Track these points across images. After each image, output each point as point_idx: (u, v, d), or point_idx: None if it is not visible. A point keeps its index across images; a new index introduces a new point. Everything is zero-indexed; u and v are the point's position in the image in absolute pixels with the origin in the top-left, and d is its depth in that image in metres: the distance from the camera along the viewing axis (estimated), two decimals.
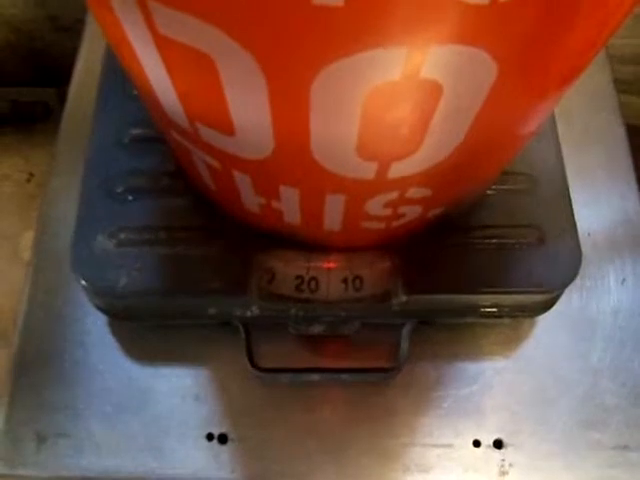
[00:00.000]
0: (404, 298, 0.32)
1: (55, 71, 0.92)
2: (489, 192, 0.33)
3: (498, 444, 0.37)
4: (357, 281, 0.33)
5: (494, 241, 0.33)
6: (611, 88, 0.47)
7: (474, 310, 0.35)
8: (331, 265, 0.32)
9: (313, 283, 0.32)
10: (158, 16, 0.16)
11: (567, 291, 0.37)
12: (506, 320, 0.38)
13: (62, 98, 0.93)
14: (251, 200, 0.27)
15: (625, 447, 0.37)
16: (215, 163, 0.25)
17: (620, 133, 0.45)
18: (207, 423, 0.37)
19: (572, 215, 0.33)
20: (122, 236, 0.33)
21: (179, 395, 0.38)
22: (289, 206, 0.26)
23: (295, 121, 0.18)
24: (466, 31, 0.14)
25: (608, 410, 0.38)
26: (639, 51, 0.78)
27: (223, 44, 0.16)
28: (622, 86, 0.50)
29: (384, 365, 0.36)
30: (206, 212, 0.33)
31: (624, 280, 0.41)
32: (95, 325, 0.39)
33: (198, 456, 0.36)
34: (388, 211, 0.26)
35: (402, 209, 0.26)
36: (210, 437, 0.37)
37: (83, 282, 0.33)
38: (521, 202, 0.33)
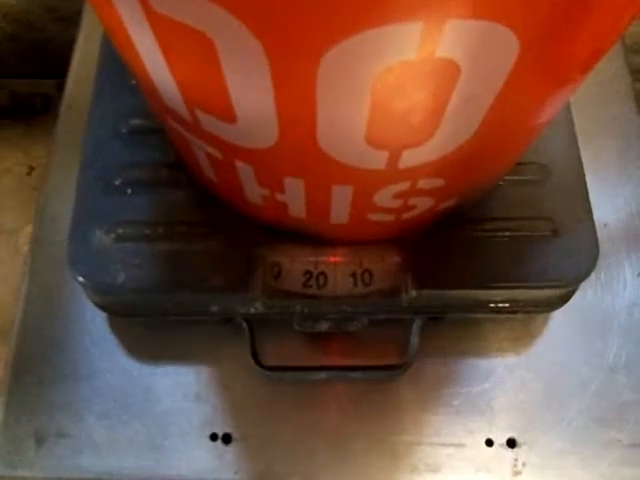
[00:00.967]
0: (414, 293, 0.31)
1: (55, 62, 0.91)
2: (502, 183, 0.32)
3: (511, 443, 0.36)
4: (366, 275, 0.32)
5: (507, 234, 0.32)
6: (627, 77, 0.45)
7: (486, 305, 0.33)
8: (339, 259, 0.31)
9: (322, 278, 0.31)
10: None
11: (581, 285, 0.36)
12: (519, 316, 0.37)
13: (62, 90, 0.91)
14: (254, 192, 0.26)
15: None
16: (216, 153, 0.24)
17: (636, 122, 0.44)
18: (210, 422, 0.36)
19: (589, 206, 0.32)
20: (120, 231, 0.32)
21: (181, 394, 0.37)
22: (294, 198, 0.25)
23: (300, 107, 0.17)
24: (488, 4, 0.13)
25: (624, 407, 0.37)
26: None
27: (222, 22, 0.14)
28: (637, 75, 0.49)
29: (393, 362, 0.35)
30: (208, 205, 0.32)
31: None
32: (94, 322, 0.38)
33: (201, 456, 0.36)
34: (398, 203, 0.25)
35: (413, 200, 0.25)
36: (214, 437, 0.36)
37: (80, 279, 0.31)
38: (535, 193, 0.32)
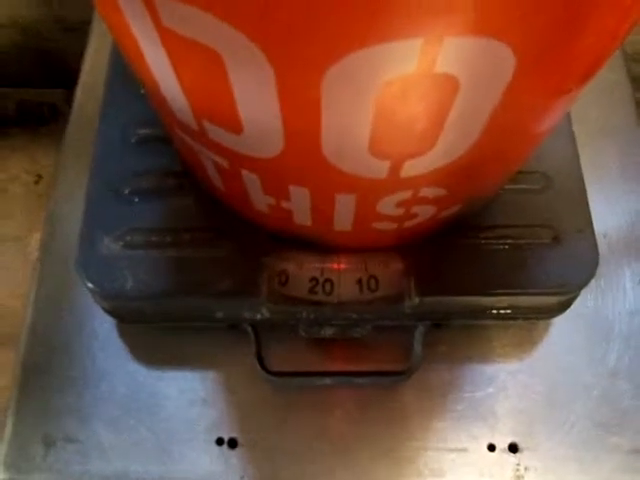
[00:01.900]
0: (417, 300, 0.32)
1: (63, 72, 0.92)
2: (503, 191, 0.33)
3: (513, 448, 0.36)
4: (372, 282, 0.32)
5: (508, 241, 0.32)
6: (627, 86, 0.46)
7: (488, 312, 0.34)
8: (345, 266, 0.31)
9: (328, 285, 0.31)
10: (162, 8, 0.15)
11: (582, 292, 0.36)
12: (521, 322, 0.38)
13: (70, 99, 0.92)
14: (260, 200, 0.27)
15: None
16: (223, 162, 0.24)
17: (637, 132, 0.44)
18: (216, 427, 0.36)
19: (589, 214, 0.33)
20: (129, 238, 0.32)
21: (187, 399, 0.37)
22: (299, 206, 0.26)
23: (305, 118, 0.18)
24: (485, 21, 0.14)
25: (625, 413, 0.37)
26: None
27: (230, 37, 0.15)
28: (638, 84, 0.49)
29: (397, 368, 0.35)
30: (214, 213, 0.33)
31: None
32: (102, 328, 0.39)
33: (207, 461, 0.36)
34: (400, 211, 0.25)
35: (415, 209, 0.26)
36: (220, 442, 0.36)
37: (89, 284, 0.32)
38: (536, 201, 0.33)
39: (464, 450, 0.36)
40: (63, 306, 0.39)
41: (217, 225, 0.32)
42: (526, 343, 0.38)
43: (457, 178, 0.23)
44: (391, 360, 0.36)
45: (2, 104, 0.89)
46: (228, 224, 0.32)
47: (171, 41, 0.17)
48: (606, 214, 0.41)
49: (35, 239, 0.77)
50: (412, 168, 0.21)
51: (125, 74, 0.36)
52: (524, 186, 0.33)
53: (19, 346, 0.39)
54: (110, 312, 0.35)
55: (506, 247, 0.32)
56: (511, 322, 0.37)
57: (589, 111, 0.44)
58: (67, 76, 0.94)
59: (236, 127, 0.20)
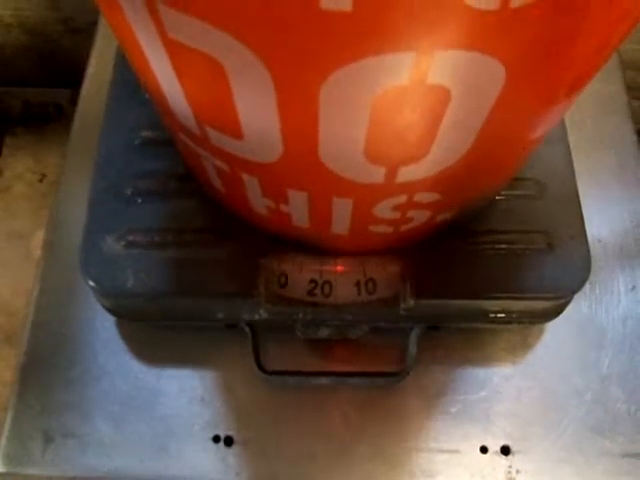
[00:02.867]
0: (412, 303, 0.32)
1: (68, 72, 0.93)
2: (498, 197, 0.33)
3: (505, 450, 0.37)
4: (370, 284, 0.33)
5: (503, 246, 0.33)
6: (623, 94, 0.46)
7: (483, 315, 0.34)
8: (344, 268, 0.32)
9: (327, 287, 0.32)
10: (167, 20, 0.16)
11: (576, 297, 0.37)
12: (515, 326, 0.38)
13: (75, 99, 0.93)
14: (259, 203, 0.27)
15: (635, 455, 0.37)
16: (224, 166, 0.25)
17: (631, 140, 0.45)
18: (213, 425, 0.37)
19: (582, 221, 0.33)
20: (131, 238, 0.33)
21: (186, 397, 0.38)
22: (297, 209, 0.26)
23: (304, 125, 0.18)
24: (474, 37, 0.14)
25: (618, 417, 0.37)
26: None
27: (231, 48, 0.16)
28: (634, 92, 0.50)
29: (392, 369, 0.36)
30: (215, 214, 0.33)
31: (634, 287, 0.40)
32: (103, 326, 0.39)
33: (204, 458, 0.37)
34: (396, 215, 0.26)
35: (410, 213, 0.26)
36: (216, 439, 0.37)
37: (91, 283, 0.33)
38: (530, 207, 0.33)
39: (457, 452, 0.37)
40: (65, 304, 0.40)
41: (217, 227, 0.33)
42: (520, 347, 0.39)
43: (451, 184, 0.24)
44: (386, 361, 0.37)
45: (8, 103, 0.90)
46: (228, 226, 0.33)
47: (175, 50, 0.17)
48: (601, 220, 0.42)
49: (38, 237, 0.78)
50: (407, 174, 0.22)
51: (129, 77, 0.37)
52: (519, 192, 0.33)
53: (21, 342, 0.39)
54: (111, 310, 0.36)
55: (501, 252, 0.32)
56: (505, 326, 0.38)
57: (585, 118, 0.45)
58: (72, 76, 0.95)
59: (237, 133, 0.21)
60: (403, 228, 0.28)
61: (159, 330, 0.39)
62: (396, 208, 0.25)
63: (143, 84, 0.25)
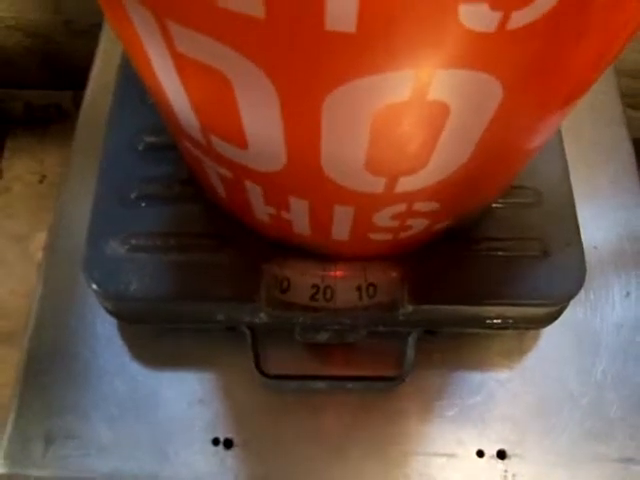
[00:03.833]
0: (410, 308, 0.33)
1: (70, 75, 0.93)
2: (495, 205, 0.34)
3: (501, 454, 0.37)
4: (371, 289, 0.33)
5: (500, 253, 0.33)
6: (618, 103, 0.47)
7: (479, 321, 0.35)
8: (345, 273, 0.32)
9: (329, 291, 0.32)
10: (177, 35, 0.17)
11: (571, 303, 0.37)
12: (511, 332, 0.39)
13: (77, 101, 0.94)
14: (261, 210, 0.28)
15: (629, 460, 0.37)
16: (227, 173, 0.26)
17: (627, 148, 0.45)
18: (213, 428, 0.38)
19: (577, 228, 0.34)
20: (134, 241, 0.33)
21: (185, 399, 0.38)
22: (298, 216, 0.27)
23: (307, 137, 0.19)
24: (473, 56, 0.15)
25: (612, 422, 0.38)
26: None
27: (239, 64, 0.16)
28: (628, 100, 0.50)
29: (389, 374, 0.36)
30: (217, 219, 0.34)
31: (628, 294, 0.41)
32: (104, 328, 0.40)
33: (203, 460, 0.37)
34: (395, 223, 0.27)
35: (409, 221, 0.27)
36: (216, 442, 0.37)
37: (94, 286, 0.33)
38: (527, 215, 0.34)
39: (453, 455, 0.37)
40: (66, 306, 0.40)
41: (219, 232, 0.34)
42: (516, 352, 0.40)
43: (449, 193, 0.25)
44: (384, 366, 0.37)
45: (10, 105, 0.91)
46: (230, 231, 0.33)
47: (183, 64, 0.18)
48: (597, 227, 0.42)
49: (38, 238, 0.79)
50: (407, 184, 0.23)
51: (133, 82, 0.38)
52: (516, 200, 0.34)
53: (22, 344, 0.40)
54: (113, 313, 0.36)
55: (497, 259, 0.33)
56: (501, 332, 0.38)
57: (581, 127, 0.45)
58: (73, 78, 0.95)
59: (241, 143, 0.21)
60: (402, 235, 0.29)
61: (159, 333, 0.39)
62: (395, 216, 0.26)
63: (149, 92, 0.25)
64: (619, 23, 0.18)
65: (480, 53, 0.15)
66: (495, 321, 0.35)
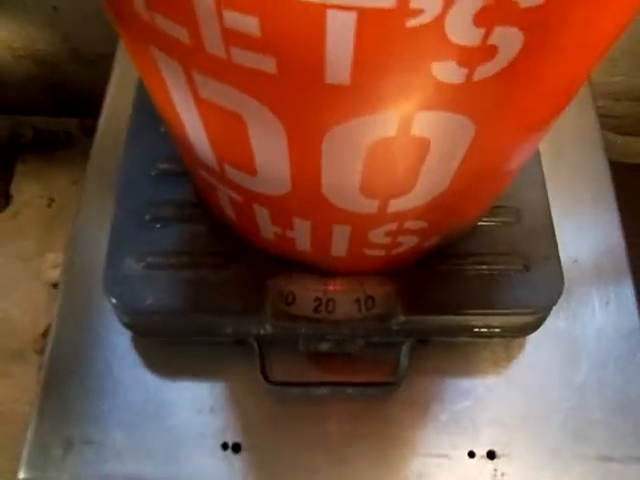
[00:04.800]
0: (403, 318, 0.36)
1: (76, 101, 0.97)
2: (480, 223, 0.37)
3: (491, 455, 0.40)
4: (369, 301, 0.36)
5: (484, 267, 0.36)
6: (596, 126, 0.50)
7: (467, 330, 0.38)
8: (346, 287, 0.35)
9: (330, 304, 0.35)
10: (200, 84, 0.20)
11: (555, 313, 0.41)
12: (498, 340, 0.42)
13: (83, 127, 0.97)
14: (268, 229, 0.31)
15: (609, 458, 0.40)
16: (237, 197, 0.29)
17: (604, 169, 0.49)
18: (222, 433, 0.40)
19: (555, 244, 0.37)
20: (149, 260, 0.36)
21: (196, 407, 0.41)
22: (301, 235, 0.30)
23: (309, 167, 0.22)
24: (446, 101, 0.18)
25: (593, 424, 0.41)
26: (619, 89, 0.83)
27: (253, 107, 0.19)
28: (604, 120, 0.54)
29: (385, 380, 0.39)
30: (225, 239, 0.37)
31: (607, 303, 0.44)
32: (119, 341, 0.42)
33: (213, 464, 0.39)
34: (388, 240, 0.30)
35: (400, 238, 0.30)
36: (225, 446, 0.40)
37: (113, 300, 0.36)
38: (509, 232, 0.37)
39: (446, 456, 0.40)
40: (84, 321, 0.43)
41: (228, 250, 0.37)
42: (503, 360, 0.42)
43: (435, 213, 0.28)
44: (380, 373, 0.40)
45: (19, 131, 0.94)
46: (238, 249, 0.36)
47: (204, 106, 0.21)
48: (577, 242, 0.46)
49: (48, 259, 0.82)
50: (397, 205, 0.26)
51: (147, 114, 0.41)
52: (498, 219, 0.37)
53: (44, 356, 0.42)
54: (129, 326, 0.39)
55: (482, 272, 0.36)
56: (489, 340, 0.41)
57: (561, 150, 0.49)
58: (80, 105, 0.99)
59: (251, 171, 0.24)
60: (394, 252, 0.32)
61: (171, 345, 0.42)
62: (388, 234, 0.29)
63: (167, 125, 0.28)
64: (573, 66, 0.21)
65: (452, 99, 0.18)
66: (482, 330, 0.38)
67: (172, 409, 0.41)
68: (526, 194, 0.38)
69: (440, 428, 0.40)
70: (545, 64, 0.19)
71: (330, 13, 0.14)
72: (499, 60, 0.17)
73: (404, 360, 0.39)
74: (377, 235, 0.29)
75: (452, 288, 0.36)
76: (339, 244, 0.30)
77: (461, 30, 0.15)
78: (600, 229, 0.46)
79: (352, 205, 0.25)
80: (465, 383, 0.41)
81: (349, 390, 0.39)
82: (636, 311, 0.44)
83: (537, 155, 0.40)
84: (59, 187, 0.91)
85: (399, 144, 0.20)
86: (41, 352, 0.78)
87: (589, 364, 0.42)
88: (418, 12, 0.14)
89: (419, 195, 0.25)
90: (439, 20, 0.15)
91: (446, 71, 0.17)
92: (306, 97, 0.18)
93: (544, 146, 0.41)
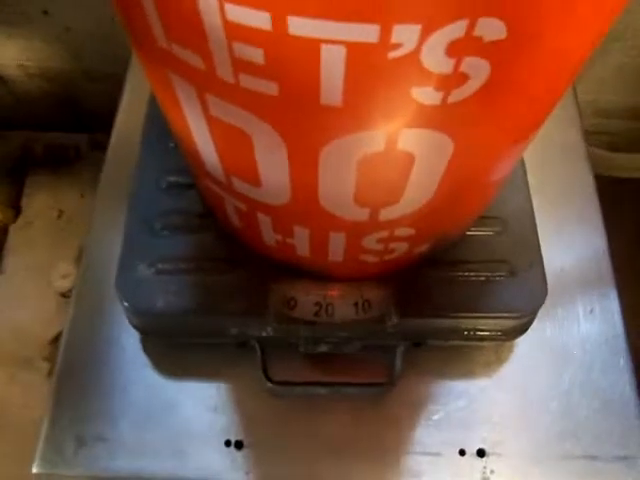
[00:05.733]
0: (396, 321, 0.38)
1: (86, 118, 1.00)
2: (468, 233, 0.40)
3: (481, 453, 0.42)
4: (366, 304, 0.38)
5: (473, 274, 0.39)
6: (582, 140, 0.53)
7: (458, 333, 0.40)
8: (344, 292, 0.38)
9: (330, 308, 0.38)
10: (212, 104, 0.23)
11: (542, 319, 0.43)
12: (488, 343, 0.44)
13: (92, 142, 1.00)
14: (270, 236, 0.34)
15: (594, 457, 0.42)
16: (242, 206, 0.32)
17: (590, 182, 0.51)
18: (225, 431, 0.42)
19: (539, 252, 0.39)
20: (160, 265, 0.39)
21: (201, 406, 0.43)
22: (301, 242, 0.33)
23: (307, 178, 0.25)
24: (426, 120, 0.21)
25: (579, 424, 0.42)
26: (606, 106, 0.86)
27: (258, 125, 0.22)
28: (599, 137, 0.56)
29: (381, 380, 0.41)
30: (230, 246, 0.39)
31: (592, 310, 0.46)
32: (129, 343, 0.45)
33: (217, 460, 0.41)
34: (381, 246, 0.32)
35: (392, 245, 0.32)
36: (228, 443, 0.42)
37: (125, 303, 0.39)
38: (495, 241, 0.39)
39: (439, 454, 0.42)
40: (96, 323, 0.45)
41: (233, 256, 0.39)
42: (494, 362, 0.45)
43: (423, 221, 0.30)
44: (376, 374, 0.42)
45: (31, 146, 0.97)
46: (242, 256, 0.39)
47: (214, 124, 0.24)
48: (563, 252, 0.48)
49: (58, 269, 0.84)
50: (387, 214, 0.28)
51: (158, 131, 0.44)
52: (485, 228, 0.40)
53: (58, 355, 0.45)
54: (139, 328, 0.42)
55: (471, 278, 0.39)
56: (480, 343, 0.43)
57: (547, 163, 0.51)
58: (89, 121, 1.02)
59: (256, 182, 0.27)
60: (387, 257, 0.35)
61: (178, 347, 0.44)
62: (380, 241, 0.31)
63: (178, 141, 0.31)
64: (542, 89, 0.24)
65: (431, 118, 0.21)
66: (472, 333, 0.40)
67: (178, 408, 0.43)
68: (512, 206, 0.40)
69: (432, 427, 0.42)
70: (513, 88, 0.21)
71: (324, 47, 0.17)
72: (470, 85, 0.19)
73: (399, 362, 0.41)
74: (370, 242, 0.32)
75: (443, 293, 0.38)
76: (336, 250, 0.33)
77: (435, 60, 0.18)
78: (585, 240, 0.49)
79: (346, 213, 0.28)
80: (457, 384, 0.44)
81: (347, 390, 0.41)
82: (619, 318, 0.46)
83: (522, 169, 0.42)
84: (68, 199, 0.94)
85: (387, 158, 0.23)
86: (49, 359, 0.81)
87: (575, 368, 0.44)
88: (398, 46, 0.17)
89: (407, 204, 0.28)
90: (416, 52, 0.17)
91: (424, 95, 0.19)
92: (304, 116, 0.21)
93: (530, 160, 0.44)
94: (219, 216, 0.39)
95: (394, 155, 0.23)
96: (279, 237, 0.33)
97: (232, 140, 0.25)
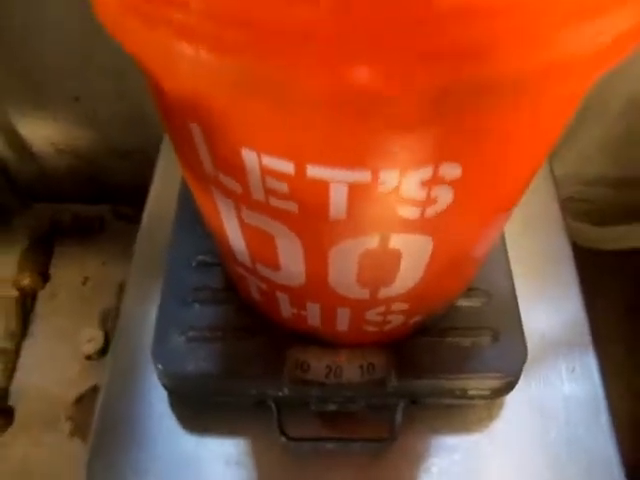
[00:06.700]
0: (396, 382, 0.44)
1: (110, 191, 1.09)
2: (457, 304, 0.46)
3: None
4: (370, 367, 0.44)
5: (461, 339, 0.45)
6: (559, 213, 0.60)
7: (450, 392, 0.45)
8: (351, 357, 0.44)
9: (338, 370, 0.43)
10: (245, 214, 0.29)
11: (527, 379, 0.48)
12: (480, 401, 0.49)
13: (116, 213, 1.08)
14: (286, 310, 0.40)
15: None
16: (264, 286, 0.38)
17: (568, 253, 0.58)
18: None
19: (519, 319, 0.45)
20: (190, 334, 0.45)
21: (223, 460, 0.48)
22: (312, 314, 0.39)
23: (319, 268, 0.31)
24: (408, 228, 0.28)
25: (564, 476, 0.47)
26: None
27: (281, 229, 0.29)
28: (566, 204, 0.61)
29: (383, 436, 0.46)
30: (251, 316, 0.45)
31: (574, 369, 0.51)
32: (157, 402, 0.50)
33: None
34: (380, 318, 0.39)
35: (390, 317, 0.39)
36: None
37: (159, 366, 0.44)
38: (480, 311, 0.45)
39: None
40: (129, 384, 0.51)
41: (253, 326, 0.45)
42: (485, 419, 0.49)
43: (415, 298, 0.37)
44: (379, 430, 0.47)
45: (59, 217, 1.05)
46: (261, 325, 0.45)
47: (246, 226, 0.31)
48: (544, 316, 0.54)
49: (83, 334, 0.90)
50: (384, 292, 0.35)
51: (189, 214, 0.51)
52: (471, 299, 0.46)
53: (94, 413, 0.50)
54: (170, 388, 0.47)
55: (459, 343, 0.44)
56: (472, 401, 0.49)
57: (524, 236, 0.57)
58: (114, 193, 1.10)
59: (277, 268, 0.34)
60: (386, 328, 0.41)
61: (201, 406, 0.50)
62: (379, 314, 0.38)
63: (212, 233, 0.38)
64: (501, 198, 0.31)
65: (413, 227, 0.27)
66: (462, 392, 0.45)
67: (201, 462, 0.47)
68: (494, 278, 0.47)
69: (432, 479, 0.47)
70: (478, 198, 0.28)
71: (332, 185, 0.24)
72: (440, 204, 0.26)
73: (399, 419, 0.46)
74: (371, 315, 0.38)
75: (435, 357, 0.44)
76: (342, 321, 0.39)
77: (411, 192, 0.24)
78: (564, 305, 0.55)
79: (351, 293, 0.34)
80: (453, 439, 0.48)
81: (353, 444, 0.46)
82: (599, 378, 0.51)
83: (503, 246, 0.49)
84: (92, 267, 1.01)
85: (381, 254, 0.30)
86: (73, 419, 0.85)
87: (559, 424, 0.49)
88: (384, 183, 0.24)
89: (400, 286, 0.34)
90: (397, 187, 0.24)
91: (406, 212, 0.26)
92: (317, 227, 0.27)
93: (511, 235, 0.50)
94: (242, 292, 0.45)
95: (386, 252, 0.29)
96: (294, 310, 0.40)
97: (259, 238, 0.31)
